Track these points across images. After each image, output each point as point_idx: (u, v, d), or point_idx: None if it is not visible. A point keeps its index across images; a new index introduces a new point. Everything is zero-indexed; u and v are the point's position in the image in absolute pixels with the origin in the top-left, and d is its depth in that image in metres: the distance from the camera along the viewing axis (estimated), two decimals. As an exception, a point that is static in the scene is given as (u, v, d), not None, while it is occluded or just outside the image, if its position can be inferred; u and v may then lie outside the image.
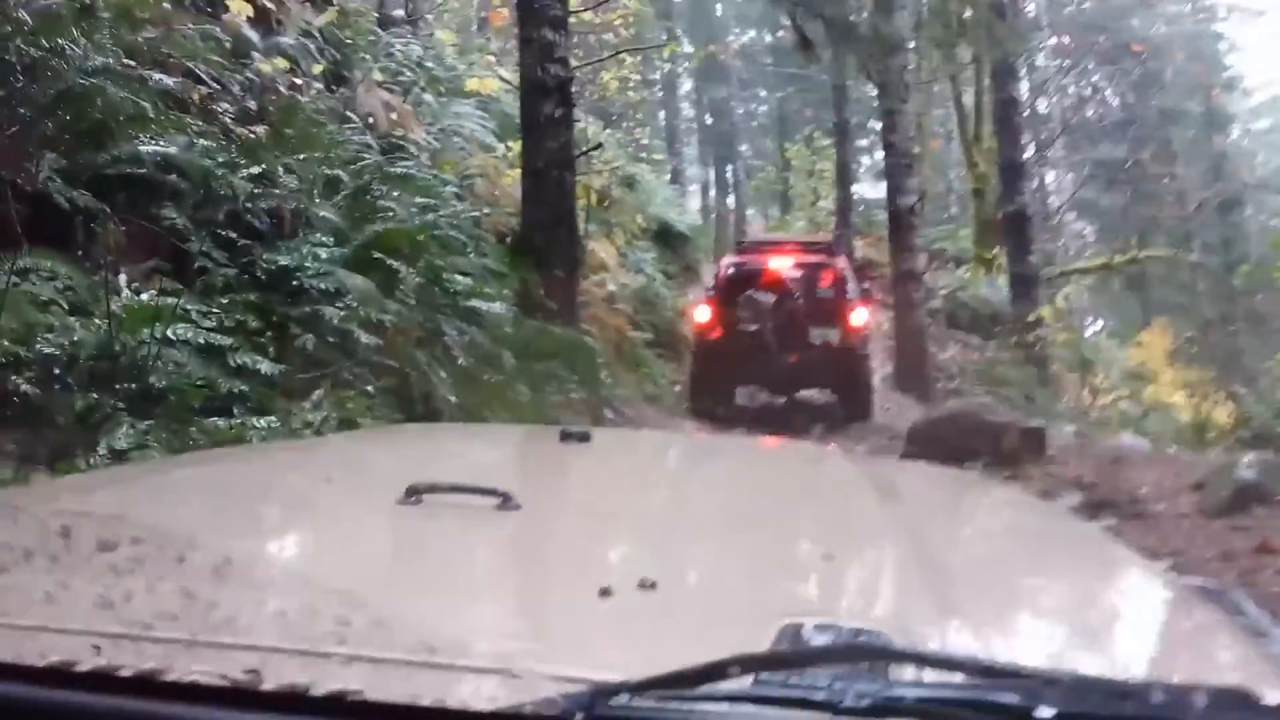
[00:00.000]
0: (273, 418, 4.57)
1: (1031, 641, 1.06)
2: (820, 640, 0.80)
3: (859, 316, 11.23)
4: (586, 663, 0.73)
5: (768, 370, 11.01)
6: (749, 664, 0.69)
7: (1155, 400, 14.42)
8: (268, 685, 0.69)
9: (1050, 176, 28.24)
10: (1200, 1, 32.55)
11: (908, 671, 0.73)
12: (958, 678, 0.70)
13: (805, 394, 12.19)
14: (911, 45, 15.73)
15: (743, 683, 0.69)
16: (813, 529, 1.41)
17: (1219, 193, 25.05)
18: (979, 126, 20.50)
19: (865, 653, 0.75)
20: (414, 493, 1.22)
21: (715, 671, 0.68)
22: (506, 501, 1.20)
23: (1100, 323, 29.68)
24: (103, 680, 0.70)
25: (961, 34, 14.76)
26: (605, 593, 0.93)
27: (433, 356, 5.98)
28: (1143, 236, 24.23)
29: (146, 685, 0.70)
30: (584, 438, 1.83)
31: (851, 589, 1.18)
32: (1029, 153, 20.20)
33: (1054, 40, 24.86)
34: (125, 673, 0.70)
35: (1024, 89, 21.33)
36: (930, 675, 0.72)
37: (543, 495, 1.56)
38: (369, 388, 5.33)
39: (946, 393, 14.19)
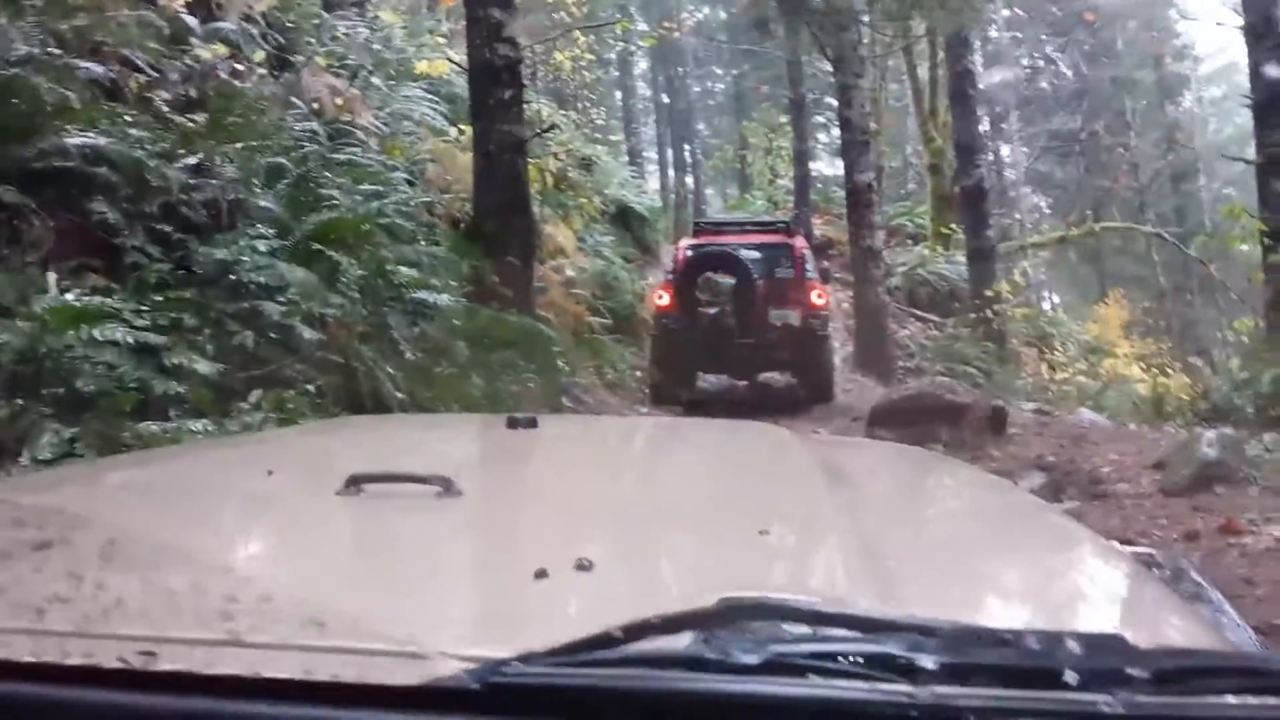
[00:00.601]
0: (209, 420, 4.38)
1: (967, 613, 1.02)
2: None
3: (819, 297, 11.17)
4: (512, 642, 0.72)
5: (728, 353, 10.95)
6: (637, 630, 0.70)
7: (1113, 373, 14.50)
8: (163, 666, 0.70)
9: (1006, 150, 28.35)
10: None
11: (802, 630, 0.74)
12: (847, 633, 0.71)
13: (766, 377, 12.16)
14: (865, 19, 15.63)
15: (637, 647, 0.70)
16: (753, 507, 1.39)
17: (1172, 163, 25.26)
18: (934, 101, 20.51)
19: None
20: (354, 483, 1.22)
21: (607, 640, 0.70)
22: (448, 489, 1.21)
23: (1057, 296, 29.98)
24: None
25: (915, 6, 14.70)
26: (541, 574, 0.93)
27: (379, 351, 5.80)
28: (1098, 208, 24.45)
29: (42, 671, 0.70)
30: (531, 424, 1.84)
31: (789, 565, 1.17)
32: (984, 126, 20.24)
33: (1007, 12, 24.86)
34: (22, 658, 0.71)
35: (978, 62, 21.34)
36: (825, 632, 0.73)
37: (486, 482, 1.56)
38: (312, 386, 5.15)
39: (907, 371, 14.21)
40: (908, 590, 0.97)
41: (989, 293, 15.07)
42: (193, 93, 7.63)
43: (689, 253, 11.35)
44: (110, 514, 1.22)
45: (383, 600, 0.91)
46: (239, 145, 6.51)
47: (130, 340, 4.54)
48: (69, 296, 4.62)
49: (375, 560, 1.08)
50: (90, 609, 0.77)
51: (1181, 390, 10.17)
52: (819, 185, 26.20)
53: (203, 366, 4.70)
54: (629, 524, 1.31)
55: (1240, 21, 10.97)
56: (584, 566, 0.96)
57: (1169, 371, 12.30)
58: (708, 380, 12.32)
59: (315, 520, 1.25)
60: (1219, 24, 12.76)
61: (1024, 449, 7.27)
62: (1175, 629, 1.07)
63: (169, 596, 0.80)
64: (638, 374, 12.31)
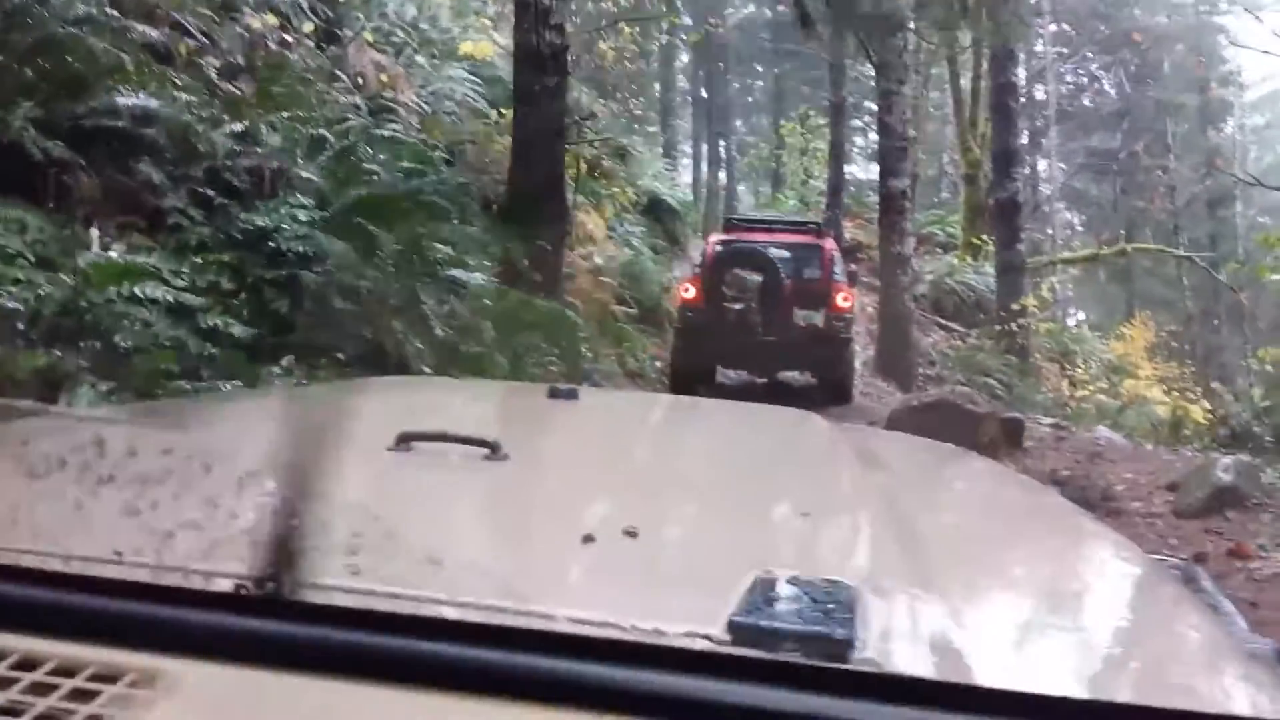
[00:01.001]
0: (241, 382, 4.49)
1: (998, 604, 1.08)
2: (790, 591, 0.82)
3: (844, 300, 11.09)
4: (570, 601, 0.76)
5: (750, 350, 10.95)
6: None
7: (1134, 394, 14.44)
8: (283, 593, 0.73)
9: (1042, 165, 28.18)
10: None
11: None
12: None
13: (786, 376, 12.14)
14: (912, 26, 15.57)
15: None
16: (791, 488, 1.43)
17: (1210, 188, 25.05)
18: (975, 111, 20.42)
19: (813, 587, 0.80)
20: (404, 440, 1.26)
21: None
22: (495, 452, 1.23)
23: (1083, 314, 29.79)
24: (122, 587, 0.74)
25: (963, 16, 14.64)
26: (589, 539, 0.97)
27: (410, 326, 5.90)
28: (1131, 229, 24.27)
29: (164, 592, 0.74)
30: (571, 395, 1.88)
31: (825, 546, 1.19)
32: (1023, 140, 20.15)
33: (1054, 27, 24.70)
34: (143, 579, 0.75)
35: (1022, 75, 21.23)
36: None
37: (530, 447, 1.58)
38: (341, 355, 5.25)
39: (927, 379, 14.21)
40: (943, 581, 0.99)
41: (1015, 306, 15.02)
42: (241, 61, 7.75)
43: (718, 248, 11.29)
44: (229, 446, 1.24)
45: (438, 561, 0.93)
46: (284, 115, 6.62)
47: (169, 300, 4.66)
48: (112, 253, 4.75)
49: (432, 519, 1.11)
50: (219, 536, 0.80)
51: (1201, 415, 10.15)
52: (852, 189, 26.13)
53: (237, 330, 4.82)
54: (671, 498, 1.34)
55: (1287, 50, 10.89)
56: (630, 534, 0.99)
57: (1190, 396, 12.25)
58: (727, 375, 12.31)
59: (371, 478, 1.28)
60: (1266, 52, 12.62)
61: (1039, 462, 7.30)
62: (1195, 634, 1.08)
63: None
64: (659, 364, 12.33)
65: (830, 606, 0.79)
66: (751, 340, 10.66)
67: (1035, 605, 1.11)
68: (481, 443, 1.25)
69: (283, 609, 0.73)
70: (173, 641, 0.70)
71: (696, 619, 0.75)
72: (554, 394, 1.88)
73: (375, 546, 0.81)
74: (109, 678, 0.67)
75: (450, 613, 0.74)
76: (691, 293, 11.10)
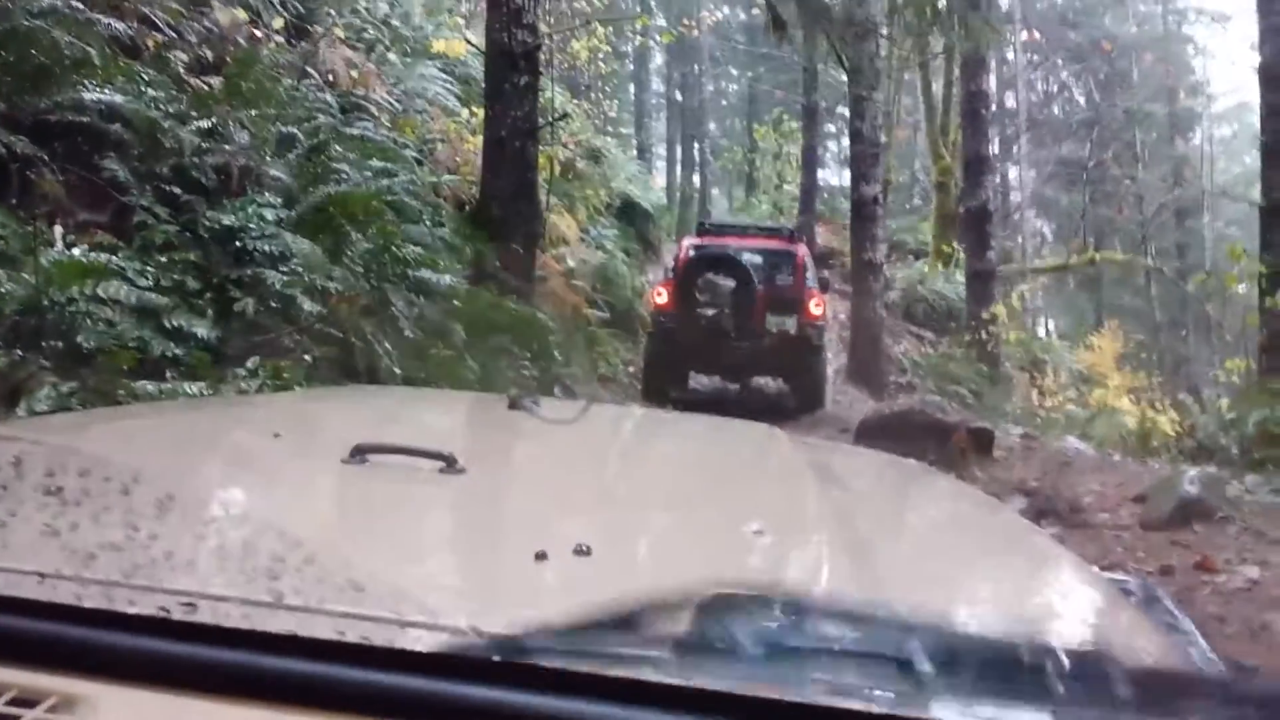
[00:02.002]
0: (205, 384, 4.41)
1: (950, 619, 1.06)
2: (739, 609, 0.83)
3: (816, 306, 11.09)
4: (518, 620, 0.76)
5: (723, 356, 10.92)
6: (645, 612, 0.75)
7: (1102, 404, 14.55)
8: (203, 619, 0.72)
9: (1013, 173, 28.40)
10: (1171, 3, 32.81)
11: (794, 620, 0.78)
12: (845, 629, 0.74)
13: (759, 381, 12.15)
14: (884, 32, 15.63)
15: (652, 631, 0.74)
16: (748, 505, 1.42)
17: (1178, 198, 25.33)
18: (946, 119, 20.54)
19: (754, 602, 0.81)
20: (359, 452, 1.24)
21: (623, 620, 0.74)
22: (450, 465, 1.23)
23: (1053, 323, 30.05)
24: (44, 609, 0.73)
25: (935, 22, 14.72)
26: (541, 556, 0.96)
27: (379, 327, 5.83)
28: (1100, 238, 24.49)
29: (86, 615, 0.73)
30: (533, 405, 1.87)
31: (780, 563, 1.20)
32: (994, 147, 20.28)
33: (1025, 35, 24.89)
34: (64, 600, 0.74)
35: (993, 83, 21.37)
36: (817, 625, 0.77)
37: (487, 460, 1.58)
38: (309, 356, 5.18)
39: (898, 386, 14.26)
40: (893, 597, 0.99)
41: (986, 314, 15.10)
42: (210, 55, 7.65)
43: (691, 252, 11.26)
44: (124, 460, 1.23)
45: (395, 572, 0.94)
46: (253, 112, 6.52)
47: (133, 299, 4.57)
48: (75, 251, 4.65)
49: (382, 532, 1.11)
50: (141, 559, 0.79)
51: (1169, 426, 10.24)
52: (825, 194, 26.26)
53: (202, 330, 4.74)
54: (627, 513, 1.34)
55: (1256, 61, 11.00)
56: (582, 552, 0.98)
57: (1158, 407, 12.35)
58: (699, 381, 12.31)
59: (326, 488, 1.28)
60: (1234, 63, 12.77)
61: (1008, 472, 7.31)
62: (1149, 655, 1.08)
63: (219, 550, 0.82)
64: (631, 369, 12.33)
65: (781, 624, 0.80)
66: (724, 346, 10.65)
67: (988, 626, 1.09)
68: (438, 455, 1.24)
69: (204, 633, 0.72)
70: (94, 664, 0.70)
71: (646, 643, 0.75)
72: (514, 405, 1.87)
73: (298, 569, 0.79)
74: (29, 701, 0.66)
75: (373, 637, 0.72)
76: (664, 297, 11.09)
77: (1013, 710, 0.66)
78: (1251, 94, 12.83)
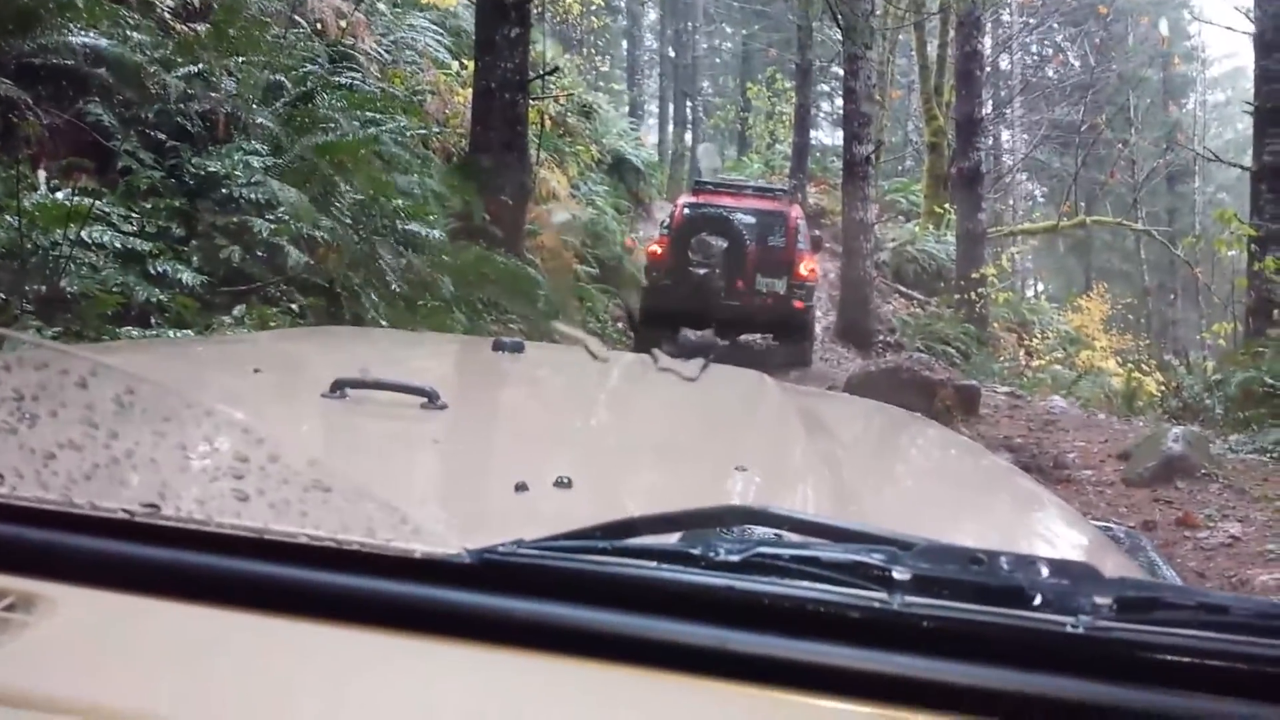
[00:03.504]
0: (190, 331, 4.39)
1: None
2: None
3: (806, 268, 11.36)
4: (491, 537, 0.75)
5: (714, 313, 11.14)
6: (637, 525, 0.74)
7: (1089, 365, 14.60)
8: (166, 517, 0.71)
9: (1006, 135, 28.28)
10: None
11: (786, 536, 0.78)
12: (828, 542, 0.74)
13: (748, 338, 12.26)
14: (880, -10, 15.50)
15: (628, 543, 0.73)
16: (732, 444, 1.42)
17: (1170, 163, 25.27)
18: (940, 79, 20.40)
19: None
20: (339, 387, 1.23)
21: (609, 530, 0.73)
22: (432, 400, 1.22)
23: (1042, 285, 30.08)
24: (2, 510, 0.72)
25: (931, -18, 14.59)
26: (521, 487, 0.95)
27: (366, 278, 5.80)
28: (1091, 201, 24.45)
29: (45, 516, 0.72)
30: (516, 348, 1.86)
31: (759, 499, 1.16)
32: (987, 109, 20.17)
33: (1021, -4, 24.67)
34: (26, 504, 0.73)
35: (988, 44, 21.21)
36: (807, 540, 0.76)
37: (469, 398, 1.57)
38: (295, 305, 5.15)
39: (886, 345, 14.27)
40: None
41: (975, 275, 15.10)
42: (196, 1, 7.55)
43: (686, 211, 11.42)
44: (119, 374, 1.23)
45: (366, 503, 0.93)
46: (239, 59, 6.44)
47: (117, 244, 4.54)
48: (58, 195, 4.60)
49: (359, 465, 1.09)
50: (101, 457, 0.78)
51: (1155, 387, 10.28)
52: (817, 154, 26.11)
53: (187, 277, 4.71)
54: (608, 450, 1.33)
55: (1251, 28, 10.95)
56: (562, 484, 0.98)
57: (1145, 368, 12.40)
58: (689, 335, 12.41)
59: (303, 422, 1.26)
60: (1229, 29, 12.70)
61: (993, 429, 7.36)
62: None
63: (180, 450, 0.80)
64: (620, 324, 12.36)
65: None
66: (714, 304, 10.89)
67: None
68: (419, 391, 1.23)
69: (164, 534, 0.70)
70: (52, 565, 0.69)
71: None
72: (498, 347, 1.86)
73: (260, 471, 0.77)
74: None
75: (337, 541, 0.71)
76: (659, 253, 11.28)
77: (1000, 618, 0.66)
78: (1246, 59, 12.79)
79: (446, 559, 0.69)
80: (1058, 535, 1.32)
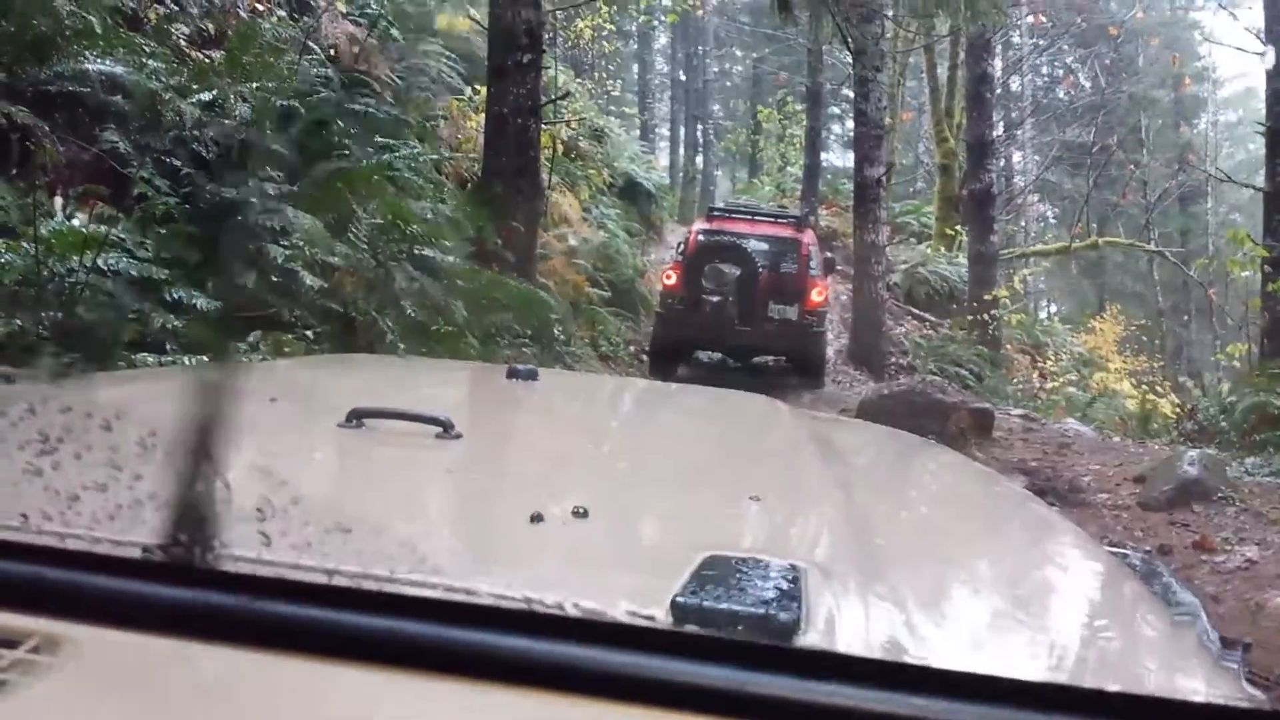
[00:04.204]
0: (205, 357, 4.41)
1: (948, 593, 1.07)
2: (736, 572, 0.82)
3: (818, 294, 11.53)
4: (511, 578, 0.75)
5: (726, 338, 11.35)
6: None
7: (1103, 386, 14.55)
8: (189, 559, 0.72)
9: (1017, 157, 28.29)
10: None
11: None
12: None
13: (761, 359, 12.38)
14: (889, 13, 15.55)
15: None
16: (746, 472, 1.42)
17: (1181, 184, 25.23)
18: (951, 102, 20.44)
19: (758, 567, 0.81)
20: (355, 416, 1.23)
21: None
22: (448, 430, 1.23)
23: (1054, 306, 30.02)
24: (26, 551, 0.72)
25: (940, 4, 14.63)
26: (537, 518, 0.95)
27: (381, 303, 5.82)
28: (1103, 222, 24.42)
29: (69, 557, 0.72)
30: (531, 376, 1.86)
31: (775, 529, 1.18)
32: (998, 131, 20.20)
33: (1031, 18, 24.74)
34: (50, 544, 0.73)
35: (998, 66, 21.27)
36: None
37: (484, 427, 1.58)
38: (310, 332, 5.17)
39: (899, 368, 14.25)
40: (893, 567, 0.98)
41: (987, 297, 15.09)
42: (211, 28, 7.62)
43: (700, 238, 11.59)
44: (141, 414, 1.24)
45: (383, 537, 0.92)
46: (254, 85, 6.50)
47: (133, 271, 4.57)
48: (75, 222, 4.63)
49: (376, 496, 1.09)
50: (125, 498, 0.78)
51: (1170, 409, 10.23)
52: (829, 176, 26.16)
53: (203, 303, 4.73)
54: (624, 479, 1.32)
55: (1261, 49, 10.95)
56: (579, 514, 0.98)
57: (1159, 390, 12.35)
58: (703, 355, 12.56)
59: (320, 451, 1.26)
60: (1239, 49, 12.71)
61: (1008, 453, 7.32)
62: (1148, 623, 1.09)
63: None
64: (631, 348, 12.43)
65: (776, 588, 0.79)
66: (728, 330, 11.06)
67: (986, 595, 1.10)
68: (434, 420, 1.24)
69: (189, 575, 0.71)
70: (76, 606, 0.69)
71: (641, 598, 0.75)
72: (513, 374, 1.87)
73: (283, 513, 0.78)
74: (11, 642, 0.65)
75: (363, 583, 0.72)
76: (673, 280, 11.45)
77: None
78: (1257, 80, 12.79)
79: (462, 600, 0.70)
80: (1072, 562, 1.31)
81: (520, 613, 0.70)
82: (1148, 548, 5.01)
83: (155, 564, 0.72)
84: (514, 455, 1.44)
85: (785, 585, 0.80)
